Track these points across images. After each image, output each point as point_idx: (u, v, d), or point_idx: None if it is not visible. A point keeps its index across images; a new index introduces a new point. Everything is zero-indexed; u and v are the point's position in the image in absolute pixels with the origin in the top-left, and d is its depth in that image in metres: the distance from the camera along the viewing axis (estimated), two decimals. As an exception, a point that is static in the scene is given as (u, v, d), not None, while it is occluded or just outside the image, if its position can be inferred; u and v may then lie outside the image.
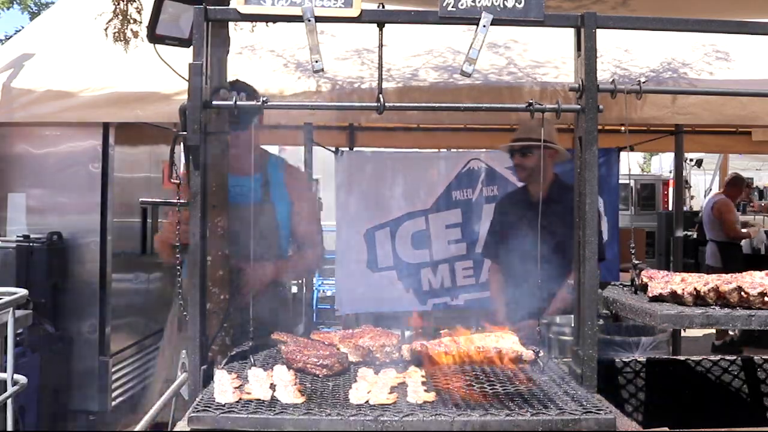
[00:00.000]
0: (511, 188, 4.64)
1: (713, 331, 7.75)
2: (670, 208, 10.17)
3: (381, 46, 2.03)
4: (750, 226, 8.66)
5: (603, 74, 4.37)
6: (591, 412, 1.65)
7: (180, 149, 2.04)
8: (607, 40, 4.46)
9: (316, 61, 1.93)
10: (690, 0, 4.08)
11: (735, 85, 4.42)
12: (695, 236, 9.33)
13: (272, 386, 1.79)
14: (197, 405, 1.70)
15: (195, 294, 1.92)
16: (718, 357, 2.50)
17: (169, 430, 2.14)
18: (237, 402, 1.70)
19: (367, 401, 1.71)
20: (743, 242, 8.29)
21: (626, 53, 4.80)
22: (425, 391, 1.76)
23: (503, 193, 4.84)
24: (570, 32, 2.05)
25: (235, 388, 1.77)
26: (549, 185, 3.57)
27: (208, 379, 1.91)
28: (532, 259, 3.53)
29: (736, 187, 8.31)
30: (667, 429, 2.40)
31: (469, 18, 1.91)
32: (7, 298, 2.37)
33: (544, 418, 1.60)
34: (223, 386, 1.78)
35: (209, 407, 1.66)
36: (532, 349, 2.07)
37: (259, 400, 1.71)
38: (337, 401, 1.74)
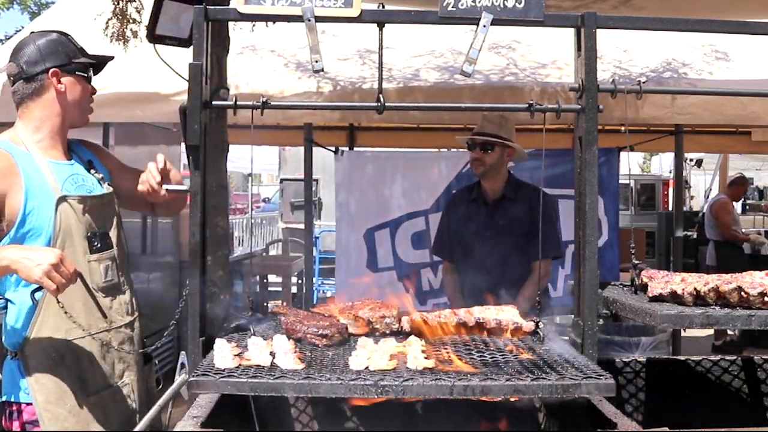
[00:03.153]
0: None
1: (712, 331, 7.75)
2: (670, 208, 10.17)
3: (381, 46, 2.03)
4: (750, 233, 8.67)
5: (603, 74, 4.37)
6: (591, 377, 1.65)
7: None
8: (607, 40, 4.47)
9: (316, 61, 1.94)
10: (689, 3, 4.08)
11: (735, 85, 4.42)
12: (695, 236, 9.34)
13: (272, 354, 1.79)
14: (196, 371, 1.70)
15: (195, 294, 1.92)
16: (718, 357, 2.50)
17: (168, 430, 2.14)
18: (237, 368, 1.70)
19: (367, 367, 1.71)
20: (744, 243, 8.31)
21: (626, 53, 4.81)
22: (425, 358, 1.77)
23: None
24: (571, 33, 2.05)
25: (235, 355, 1.77)
26: (504, 183, 3.58)
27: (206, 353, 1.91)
28: (492, 258, 3.56)
29: (737, 187, 8.34)
30: (667, 429, 2.40)
31: (469, 18, 1.91)
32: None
33: (544, 382, 1.61)
34: (223, 353, 1.78)
35: (209, 372, 1.66)
36: (532, 319, 2.08)
37: (259, 366, 1.72)
38: (337, 367, 1.74)
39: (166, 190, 2.19)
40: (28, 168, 2.19)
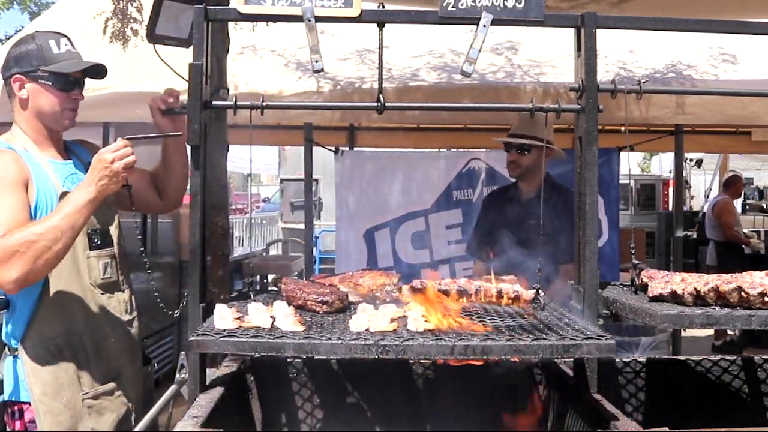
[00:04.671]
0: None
1: (712, 331, 7.75)
2: (670, 208, 10.16)
3: (381, 46, 2.03)
4: (750, 237, 8.68)
5: (607, 75, 4.37)
6: (592, 338, 1.65)
7: None
8: (611, 40, 4.46)
9: (316, 61, 1.94)
10: (687, 3, 4.07)
11: (735, 86, 4.42)
12: (695, 236, 9.34)
13: (272, 318, 1.79)
14: (196, 331, 1.70)
15: (195, 293, 1.91)
16: (718, 357, 2.50)
17: (168, 430, 2.14)
18: (237, 329, 1.71)
19: (368, 329, 1.71)
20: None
21: (631, 54, 4.80)
22: (426, 321, 1.77)
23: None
24: (570, 32, 2.05)
25: (235, 318, 1.78)
26: (540, 184, 3.55)
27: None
28: (525, 257, 3.55)
29: (734, 185, 8.36)
30: (667, 429, 2.39)
31: (469, 18, 1.91)
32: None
33: (545, 342, 1.61)
34: (223, 315, 1.78)
35: (209, 333, 1.66)
36: (534, 286, 2.08)
37: (259, 327, 1.72)
38: (337, 330, 1.74)
39: (167, 111, 2.21)
40: (32, 164, 2.22)
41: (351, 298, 2.09)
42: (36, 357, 2.17)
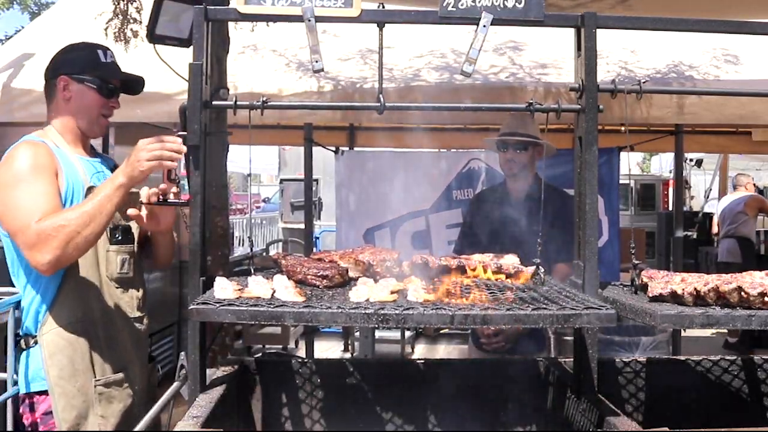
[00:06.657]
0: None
1: (711, 332, 7.75)
2: (670, 208, 10.16)
3: (381, 46, 2.03)
4: None
5: (608, 75, 4.36)
6: (592, 307, 1.65)
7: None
8: (613, 40, 4.46)
9: (316, 61, 1.94)
10: (689, 3, 4.06)
11: (737, 86, 4.41)
12: (695, 236, 9.33)
13: (272, 290, 1.80)
14: (196, 300, 1.70)
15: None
16: (718, 357, 2.50)
17: (168, 430, 2.14)
18: (237, 299, 1.71)
19: (368, 299, 1.72)
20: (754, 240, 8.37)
21: (633, 54, 4.79)
22: (426, 292, 1.77)
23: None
24: (571, 32, 2.05)
25: (236, 290, 1.79)
26: (530, 184, 3.55)
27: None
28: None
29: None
30: (667, 429, 2.39)
31: (470, 18, 1.91)
32: (6, 298, 2.38)
33: (545, 312, 1.61)
34: (224, 285, 1.79)
35: (209, 302, 1.67)
36: (533, 262, 2.08)
37: (260, 298, 1.73)
38: (337, 301, 1.75)
39: (165, 202, 2.22)
40: (62, 157, 2.33)
41: (351, 274, 2.09)
42: (54, 341, 2.25)
